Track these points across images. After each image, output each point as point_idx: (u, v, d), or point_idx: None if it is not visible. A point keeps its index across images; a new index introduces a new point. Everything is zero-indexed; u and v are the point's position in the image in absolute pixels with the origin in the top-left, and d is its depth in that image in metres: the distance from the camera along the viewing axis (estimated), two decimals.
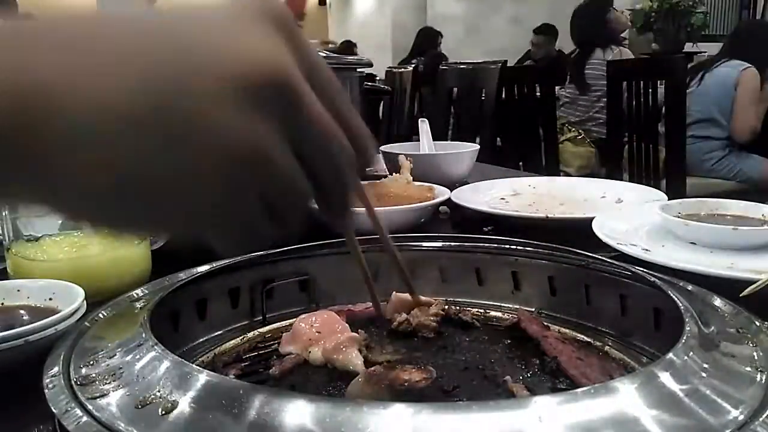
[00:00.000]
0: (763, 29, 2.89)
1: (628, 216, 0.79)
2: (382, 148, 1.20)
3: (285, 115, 0.28)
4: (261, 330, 0.55)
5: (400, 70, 3.15)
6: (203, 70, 0.27)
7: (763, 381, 0.35)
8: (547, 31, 5.06)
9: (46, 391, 0.36)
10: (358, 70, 1.09)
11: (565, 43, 5.52)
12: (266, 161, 0.28)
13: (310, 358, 0.47)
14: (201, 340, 0.52)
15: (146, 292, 0.52)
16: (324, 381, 0.45)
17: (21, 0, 2.71)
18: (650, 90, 2.29)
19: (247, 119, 0.27)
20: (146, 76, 0.26)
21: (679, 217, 0.72)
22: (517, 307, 0.57)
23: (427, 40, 5.04)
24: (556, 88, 3.18)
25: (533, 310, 0.56)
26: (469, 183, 1.09)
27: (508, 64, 2.52)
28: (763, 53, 2.61)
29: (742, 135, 2.58)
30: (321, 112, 0.29)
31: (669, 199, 0.83)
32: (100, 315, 0.48)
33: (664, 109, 2.30)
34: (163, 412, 0.32)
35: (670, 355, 0.35)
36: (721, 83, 2.54)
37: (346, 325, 0.50)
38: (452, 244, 0.61)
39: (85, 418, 0.32)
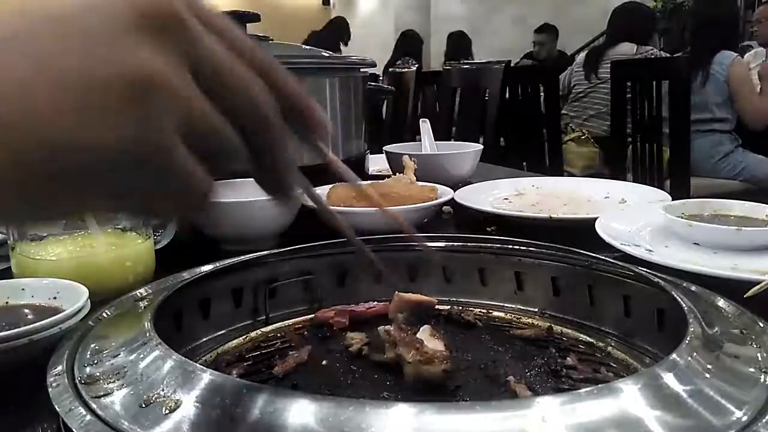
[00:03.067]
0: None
1: (632, 216, 0.79)
2: (386, 148, 1.20)
3: (179, 48, 0.27)
4: (264, 329, 0.55)
5: (403, 70, 3.15)
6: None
7: (767, 382, 0.35)
8: (548, 30, 5.06)
9: (50, 389, 0.36)
10: (362, 70, 1.09)
11: (566, 43, 5.52)
12: (168, 87, 0.26)
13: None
14: (204, 339, 0.52)
15: (150, 291, 0.53)
16: (326, 380, 0.45)
17: None
18: (654, 90, 2.28)
19: (136, 47, 0.25)
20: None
21: (682, 217, 0.72)
22: (520, 307, 0.57)
23: (410, 42, 5.05)
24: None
25: (536, 310, 0.56)
26: (472, 183, 1.09)
27: (512, 65, 2.52)
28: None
29: (757, 123, 2.55)
30: (216, 48, 0.28)
31: (673, 200, 0.83)
32: (104, 314, 0.48)
33: (667, 109, 2.29)
34: (167, 411, 0.32)
35: (674, 355, 0.35)
36: (713, 80, 2.54)
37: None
38: (455, 244, 0.61)
39: (89, 417, 0.33)
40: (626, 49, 2.85)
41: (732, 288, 0.51)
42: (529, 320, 0.55)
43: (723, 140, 2.59)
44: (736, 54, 2.57)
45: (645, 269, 0.52)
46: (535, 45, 5.04)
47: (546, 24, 5.10)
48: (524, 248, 0.58)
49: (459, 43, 5.13)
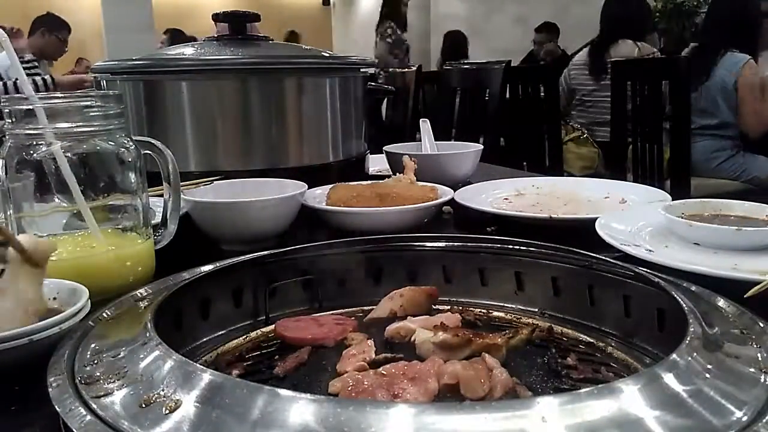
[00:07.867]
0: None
1: (632, 216, 0.79)
2: (386, 148, 1.20)
3: None
4: (264, 330, 0.55)
5: (403, 70, 3.15)
6: None
7: (767, 382, 0.35)
8: (548, 29, 5.06)
9: (50, 389, 0.36)
10: (362, 70, 1.09)
11: (568, 42, 5.52)
12: None
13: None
14: (204, 339, 0.52)
15: (150, 291, 0.53)
16: (327, 380, 0.45)
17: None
18: (654, 90, 2.28)
19: None
20: None
21: (682, 217, 0.72)
22: (520, 307, 0.57)
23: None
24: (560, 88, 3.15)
25: (536, 310, 0.56)
26: (472, 183, 1.09)
27: (512, 64, 2.51)
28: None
29: (756, 132, 2.49)
30: None
31: (673, 200, 0.83)
32: (104, 314, 0.48)
33: (668, 109, 2.29)
34: (167, 411, 0.32)
35: (674, 356, 0.35)
36: (720, 82, 2.51)
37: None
38: (455, 244, 0.60)
39: (89, 417, 0.33)
40: (627, 50, 2.80)
41: (732, 288, 0.51)
42: (529, 320, 0.55)
43: (725, 145, 2.57)
44: (749, 57, 2.47)
45: (645, 269, 0.52)
46: (535, 44, 5.04)
47: (545, 23, 5.10)
48: (524, 248, 0.58)
49: (456, 43, 5.10)
